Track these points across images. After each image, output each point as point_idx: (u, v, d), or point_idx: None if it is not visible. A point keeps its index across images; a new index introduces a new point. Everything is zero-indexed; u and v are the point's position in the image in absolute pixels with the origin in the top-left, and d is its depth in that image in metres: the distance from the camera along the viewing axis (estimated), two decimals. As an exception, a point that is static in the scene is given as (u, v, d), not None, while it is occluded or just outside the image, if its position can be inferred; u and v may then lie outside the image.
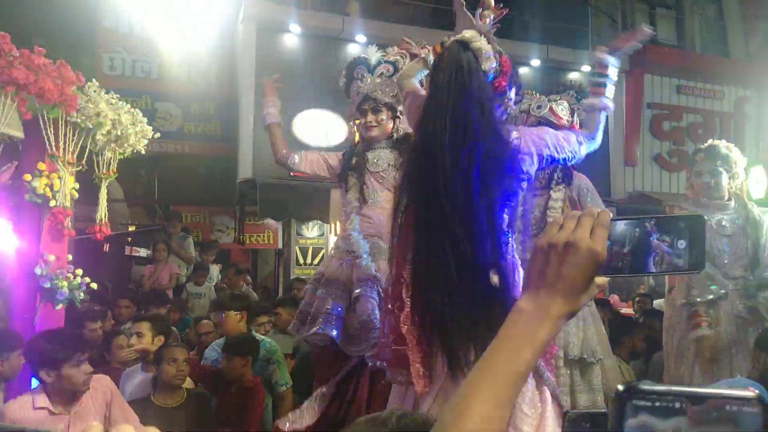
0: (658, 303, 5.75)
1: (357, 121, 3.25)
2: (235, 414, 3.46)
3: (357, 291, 3.04)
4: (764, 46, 11.40)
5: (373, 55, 3.16)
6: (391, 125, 3.19)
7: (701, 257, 0.85)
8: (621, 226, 0.85)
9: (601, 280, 0.84)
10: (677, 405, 0.46)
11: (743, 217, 3.56)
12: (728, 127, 10.85)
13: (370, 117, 3.13)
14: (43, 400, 2.62)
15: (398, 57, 3.12)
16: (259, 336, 4.11)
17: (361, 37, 8.61)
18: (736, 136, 10.86)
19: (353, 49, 8.72)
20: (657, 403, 0.46)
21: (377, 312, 2.93)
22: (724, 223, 3.54)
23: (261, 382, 3.68)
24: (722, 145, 3.63)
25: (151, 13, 8.46)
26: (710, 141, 3.74)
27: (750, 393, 0.47)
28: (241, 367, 3.54)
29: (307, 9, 8.50)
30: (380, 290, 3.01)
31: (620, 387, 0.48)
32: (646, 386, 0.48)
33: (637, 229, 0.85)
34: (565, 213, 0.83)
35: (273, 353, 3.95)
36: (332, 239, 8.42)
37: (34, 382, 2.86)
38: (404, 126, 3.19)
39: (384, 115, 3.14)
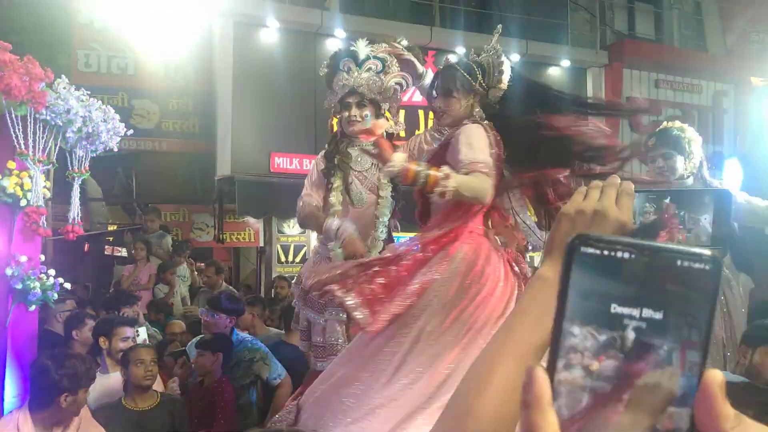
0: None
1: (338, 115, 3.14)
2: (204, 413, 3.44)
3: (327, 314, 2.95)
4: (741, 41, 11.53)
5: (362, 48, 3.07)
6: (373, 123, 3.07)
7: (725, 233, 0.84)
8: (642, 197, 0.83)
9: None
10: (626, 255, 0.45)
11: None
12: (706, 121, 10.95)
13: (354, 111, 3.01)
14: (29, 430, 2.56)
15: (386, 55, 3.04)
16: (242, 335, 4.08)
17: (340, 32, 8.56)
18: (714, 130, 10.99)
19: (332, 44, 8.66)
20: (605, 252, 0.45)
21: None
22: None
23: (228, 381, 3.65)
24: (674, 127, 3.57)
25: (127, 8, 8.34)
26: (663, 124, 3.68)
27: (705, 251, 0.45)
28: (211, 364, 3.54)
29: (285, 3, 8.44)
30: None
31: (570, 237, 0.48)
32: (595, 234, 0.47)
33: (661, 202, 0.84)
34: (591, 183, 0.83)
35: (255, 352, 3.93)
36: (314, 236, 8.38)
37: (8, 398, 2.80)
38: (388, 125, 3.12)
39: (368, 111, 3.04)
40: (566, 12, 10.35)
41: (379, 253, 2.88)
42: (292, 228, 8.58)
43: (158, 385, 3.51)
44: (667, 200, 0.84)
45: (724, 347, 3.29)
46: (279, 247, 8.60)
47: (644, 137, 3.42)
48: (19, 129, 3.32)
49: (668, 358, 0.44)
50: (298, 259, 8.54)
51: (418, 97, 7.74)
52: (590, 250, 0.45)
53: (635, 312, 0.44)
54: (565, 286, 0.45)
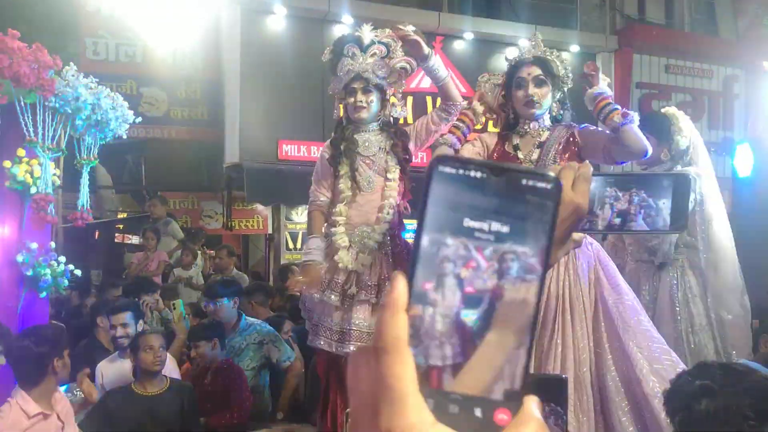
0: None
1: (342, 101, 3.12)
2: (219, 398, 3.48)
3: (351, 290, 2.94)
4: (753, 25, 11.38)
5: (367, 33, 3.04)
6: (379, 108, 3.08)
7: (683, 218, 0.85)
8: (601, 181, 0.84)
9: (577, 235, 0.85)
10: (479, 175, 0.48)
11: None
12: (717, 106, 10.85)
13: (360, 97, 3.00)
14: (34, 407, 2.61)
15: (390, 40, 3.03)
16: (250, 320, 4.13)
17: (347, 18, 8.52)
18: (725, 115, 10.88)
19: (339, 30, 8.59)
20: (461, 171, 0.48)
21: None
22: None
23: (233, 362, 3.74)
24: (664, 113, 3.55)
25: (134, -4, 8.33)
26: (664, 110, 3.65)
27: (549, 172, 0.49)
28: (210, 350, 3.60)
29: (292, -10, 8.40)
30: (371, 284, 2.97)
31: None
32: (452, 155, 0.51)
33: (618, 186, 0.84)
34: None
35: (264, 335, 3.97)
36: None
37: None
38: (394, 110, 3.12)
39: (374, 96, 3.02)
40: (575, -4, 10.25)
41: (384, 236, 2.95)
42: (300, 215, 8.60)
43: (174, 371, 3.55)
44: (634, 180, 0.86)
45: (687, 339, 3.25)
46: (287, 234, 8.63)
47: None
48: (28, 117, 3.35)
49: (520, 272, 0.48)
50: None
51: (426, 84, 7.73)
52: (447, 169, 0.48)
53: (485, 226, 0.48)
54: (425, 201, 0.48)
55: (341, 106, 3.15)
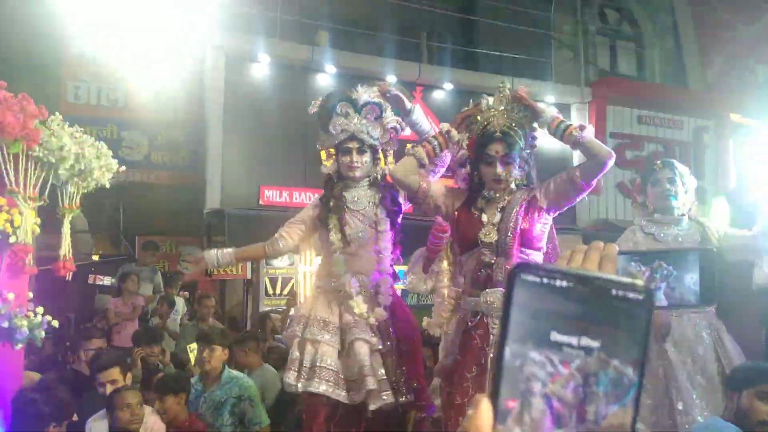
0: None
1: (334, 157, 3.18)
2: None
3: (351, 334, 2.98)
4: (720, 77, 11.81)
5: (362, 94, 3.10)
6: (371, 166, 3.15)
7: (712, 291, 0.84)
8: (626, 259, 0.83)
9: None
10: (564, 284, 0.47)
11: (700, 234, 3.46)
12: (688, 156, 11.13)
13: (356, 157, 3.07)
14: None
15: (381, 100, 3.09)
16: (234, 372, 4.03)
17: (330, 68, 8.66)
18: (696, 165, 11.17)
19: (322, 79, 8.76)
20: (545, 280, 0.47)
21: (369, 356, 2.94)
22: (680, 238, 3.46)
23: (197, 419, 3.56)
24: (677, 162, 3.66)
25: (118, 40, 8.39)
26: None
27: (637, 281, 0.47)
28: (175, 405, 3.40)
29: (276, 38, 8.54)
30: (372, 329, 3.01)
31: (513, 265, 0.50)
32: (534, 263, 0.49)
33: (642, 262, 0.83)
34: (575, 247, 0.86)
35: (245, 390, 3.87)
36: (302, 268, 8.36)
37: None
38: (383, 167, 3.17)
39: (367, 156, 3.10)
40: (550, 50, 10.56)
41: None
42: (280, 260, 8.55)
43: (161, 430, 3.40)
44: (660, 256, 0.85)
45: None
46: (267, 279, 8.56)
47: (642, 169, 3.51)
48: (10, 165, 3.27)
49: (612, 386, 0.46)
50: (285, 292, 8.50)
51: (408, 132, 7.83)
52: (530, 278, 0.47)
53: (573, 340, 0.46)
54: (507, 310, 0.47)
55: (329, 161, 3.21)
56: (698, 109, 11.28)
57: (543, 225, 2.72)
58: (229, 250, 3.34)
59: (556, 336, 0.46)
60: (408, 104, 2.99)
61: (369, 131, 3.06)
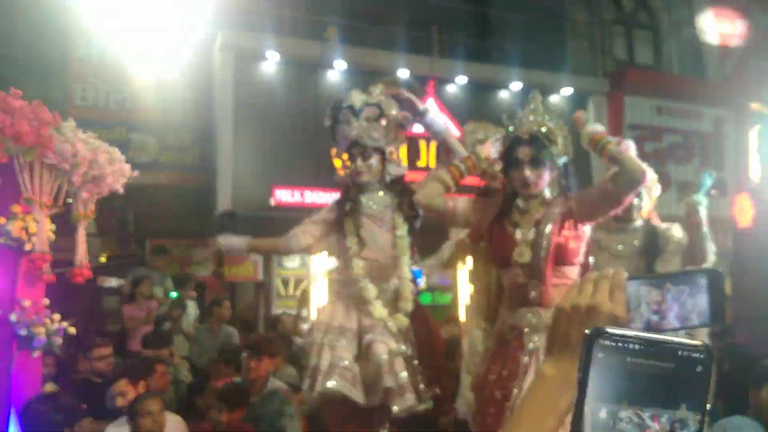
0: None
1: (348, 164, 3.19)
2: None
3: (368, 336, 2.96)
4: (739, 66, 11.54)
5: (357, 98, 3.09)
6: (381, 167, 3.13)
7: (721, 311, 0.88)
8: (637, 285, 0.87)
9: None
10: (637, 347, 0.55)
11: (642, 238, 3.57)
12: (708, 147, 10.91)
13: (360, 163, 3.07)
14: None
15: (381, 99, 3.07)
16: (277, 383, 3.92)
17: (340, 64, 8.52)
18: (716, 156, 10.92)
19: (332, 76, 8.63)
20: (620, 344, 0.55)
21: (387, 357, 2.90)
22: (619, 247, 3.57)
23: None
24: None
25: (124, 41, 8.29)
26: None
27: (698, 342, 0.55)
28: (239, 417, 3.40)
29: (285, 36, 8.40)
30: (392, 333, 2.98)
31: (587, 330, 0.59)
32: (610, 329, 0.58)
33: (651, 285, 0.87)
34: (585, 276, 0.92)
35: (285, 405, 3.74)
36: (314, 268, 8.23)
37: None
38: (395, 168, 3.16)
39: (373, 160, 3.09)
40: (564, 40, 10.36)
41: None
42: (292, 261, 8.47)
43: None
44: (668, 280, 0.88)
45: None
46: (280, 281, 8.46)
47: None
48: (26, 173, 3.32)
49: None
50: (298, 292, 8.40)
51: (419, 128, 7.65)
52: (607, 342, 0.54)
53: (649, 396, 0.53)
54: (586, 371, 0.53)
55: (344, 170, 3.26)
56: (717, 99, 11.02)
57: (579, 238, 2.67)
58: (242, 238, 3.40)
59: (640, 391, 0.53)
60: (420, 106, 2.98)
61: (370, 134, 3.05)
